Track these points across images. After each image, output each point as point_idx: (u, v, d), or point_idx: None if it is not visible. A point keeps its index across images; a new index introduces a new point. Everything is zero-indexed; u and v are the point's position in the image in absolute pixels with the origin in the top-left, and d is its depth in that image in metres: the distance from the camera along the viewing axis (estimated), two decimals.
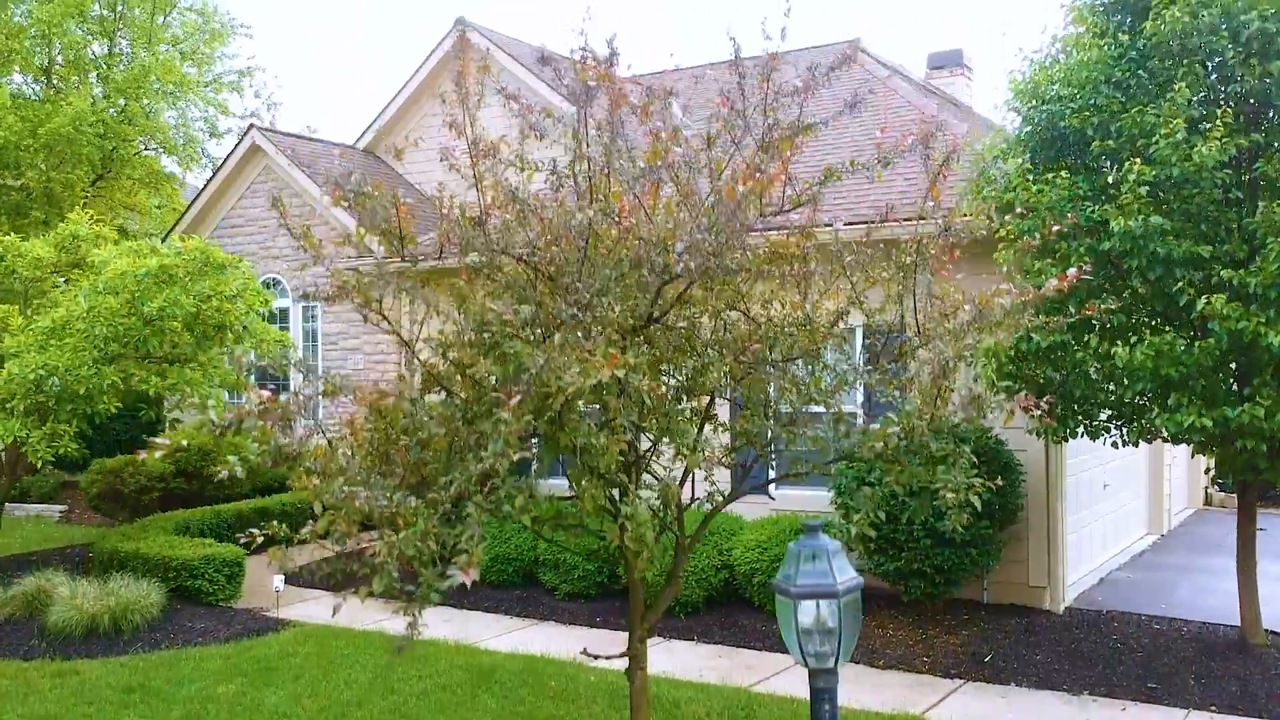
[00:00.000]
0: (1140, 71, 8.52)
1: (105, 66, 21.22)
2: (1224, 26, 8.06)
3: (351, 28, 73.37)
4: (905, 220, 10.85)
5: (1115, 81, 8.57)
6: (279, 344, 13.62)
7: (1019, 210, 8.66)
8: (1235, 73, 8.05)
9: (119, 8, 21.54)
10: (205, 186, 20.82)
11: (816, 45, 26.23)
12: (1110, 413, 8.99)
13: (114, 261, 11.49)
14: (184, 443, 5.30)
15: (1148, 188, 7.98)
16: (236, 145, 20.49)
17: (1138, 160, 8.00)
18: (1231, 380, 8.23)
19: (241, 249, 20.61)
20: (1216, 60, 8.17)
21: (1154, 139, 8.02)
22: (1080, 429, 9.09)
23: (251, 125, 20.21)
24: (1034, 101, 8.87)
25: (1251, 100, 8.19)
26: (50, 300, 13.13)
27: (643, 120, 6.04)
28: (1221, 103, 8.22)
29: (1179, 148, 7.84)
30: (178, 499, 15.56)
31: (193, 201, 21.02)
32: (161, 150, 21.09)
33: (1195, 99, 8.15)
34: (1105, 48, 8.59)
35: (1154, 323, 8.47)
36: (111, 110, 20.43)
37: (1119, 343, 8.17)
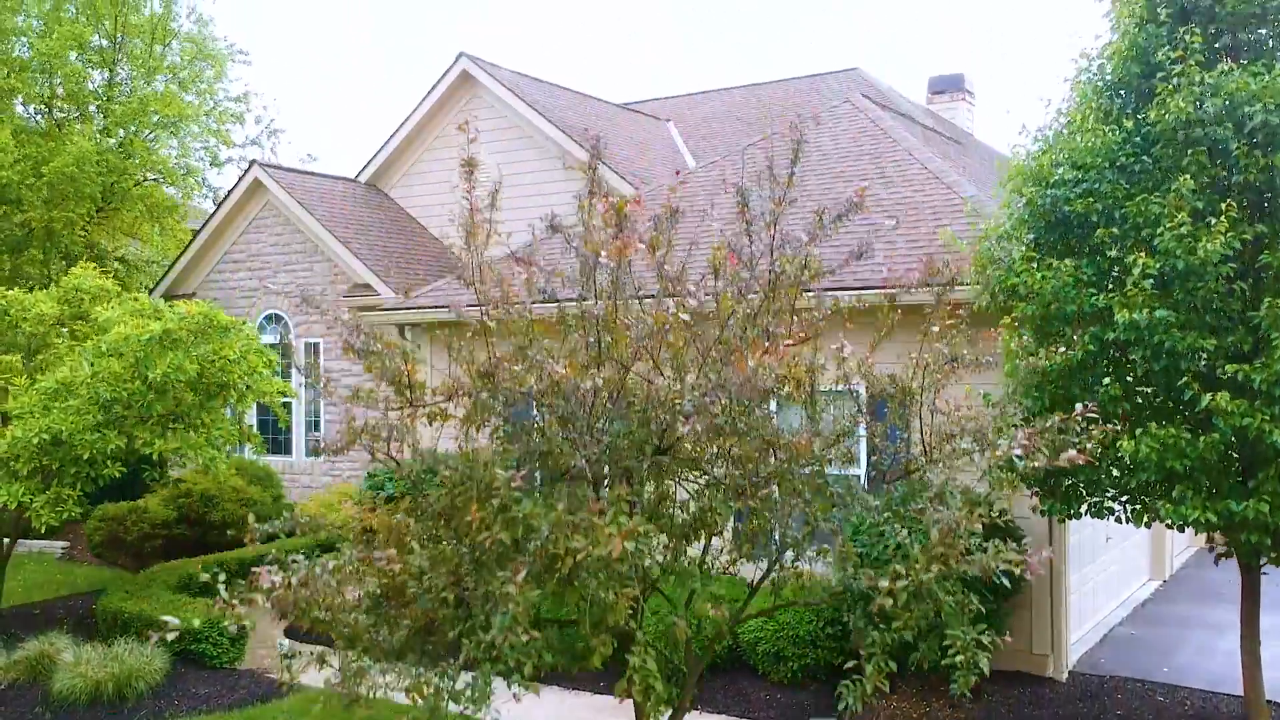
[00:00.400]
0: (1145, 156, 8.52)
1: (105, 99, 21.21)
2: (1228, 117, 8.06)
3: (354, 50, 73.35)
4: (909, 287, 10.89)
5: (1120, 165, 8.57)
6: (281, 394, 13.64)
7: (1023, 294, 8.68)
8: (1239, 163, 8.05)
9: (119, 38, 21.53)
10: (207, 222, 20.82)
11: (817, 74, 26.30)
12: (1114, 491, 8.99)
13: (117, 326, 11.50)
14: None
15: (1152, 280, 7.98)
16: (239, 181, 20.49)
17: (1143, 254, 8.01)
18: (1236, 470, 8.23)
19: (244, 284, 20.64)
20: (1221, 149, 8.17)
21: (1159, 230, 8.02)
22: (1085, 509, 9.10)
23: (253, 162, 20.21)
24: (1038, 186, 8.87)
25: (1256, 191, 8.19)
26: (54, 354, 13.15)
27: (649, 256, 6.00)
28: (1226, 193, 8.21)
29: (1183, 240, 7.85)
30: (181, 545, 15.56)
31: (196, 235, 21.01)
32: (163, 179, 21.07)
33: (1200, 188, 8.14)
34: (1110, 133, 8.59)
35: (1157, 409, 8.47)
36: (113, 142, 20.43)
37: (1124, 434, 8.17)
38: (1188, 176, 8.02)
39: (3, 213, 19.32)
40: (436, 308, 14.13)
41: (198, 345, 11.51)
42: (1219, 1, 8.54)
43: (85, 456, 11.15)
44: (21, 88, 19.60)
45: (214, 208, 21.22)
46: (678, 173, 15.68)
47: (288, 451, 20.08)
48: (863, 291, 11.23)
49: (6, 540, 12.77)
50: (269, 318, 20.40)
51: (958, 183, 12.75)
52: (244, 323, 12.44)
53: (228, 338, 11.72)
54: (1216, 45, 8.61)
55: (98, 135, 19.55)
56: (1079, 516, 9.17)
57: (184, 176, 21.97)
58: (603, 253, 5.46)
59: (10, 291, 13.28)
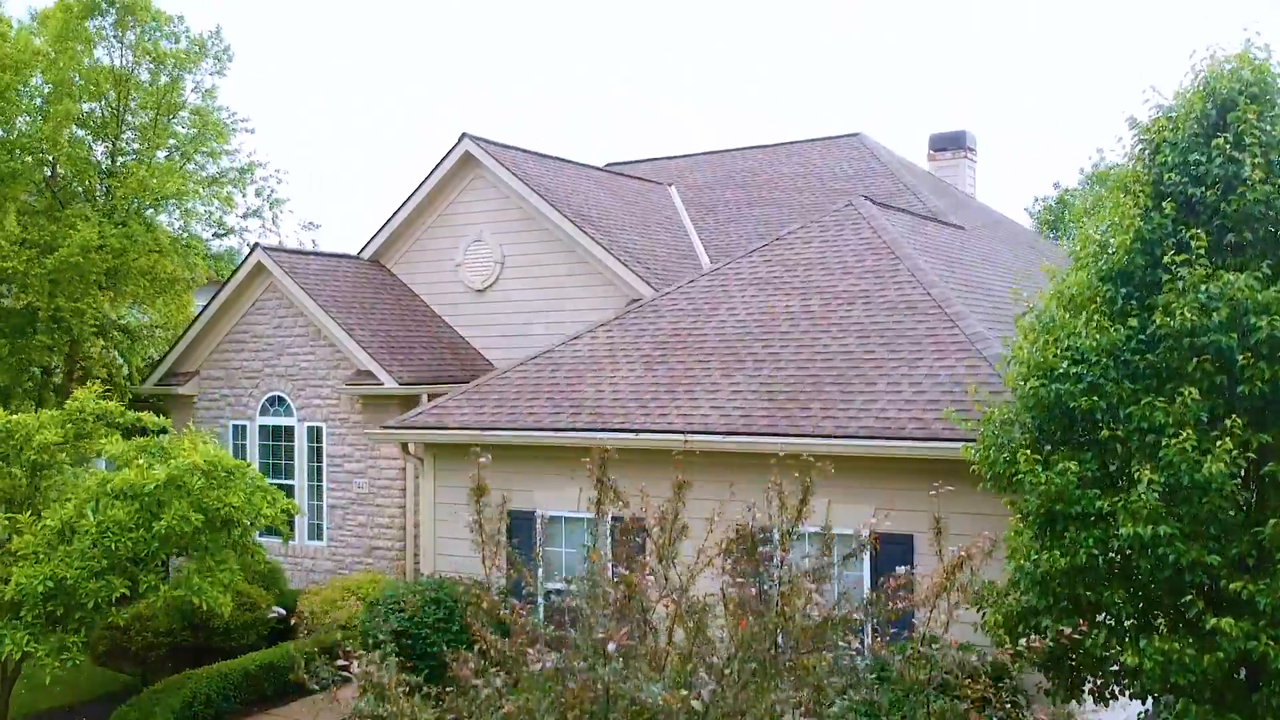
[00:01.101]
0: (1149, 354, 8.53)
1: (108, 174, 21.19)
2: (1233, 326, 8.08)
3: (361, 115, 73.49)
4: (915, 440, 10.93)
5: (1124, 361, 8.59)
6: (285, 512, 13.65)
7: (1026, 488, 8.69)
8: (1245, 373, 8.07)
9: (122, 109, 21.53)
10: (210, 303, 20.83)
11: (818, 138, 26.31)
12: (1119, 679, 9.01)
13: (122, 471, 11.52)
14: None
15: (1158, 492, 8.00)
16: (242, 263, 20.53)
17: (1148, 467, 8.02)
18: (1240, 684, 8.25)
19: (247, 365, 20.66)
20: (1226, 358, 8.18)
21: (1163, 441, 8.03)
22: (1088, 695, 9.12)
23: (256, 245, 20.23)
24: (1042, 379, 8.87)
25: (1261, 399, 8.20)
26: (59, 477, 13.19)
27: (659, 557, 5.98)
28: (1232, 403, 8.22)
29: (1188, 455, 7.86)
30: (185, 652, 15.59)
31: (199, 315, 21.03)
32: (164, 254, 21.04)
33: (1204, 396, 8.16)
34: (1115, 330, 8.60)
35: (1162, 615, 8.49)
36: (116, 223, 20.42)
37: (1127, 643, 8.18)
38: (1193, 388, 8.03)
39: (9, 298, 19.33)
40: (441, 429, 14.14)
41: (204, 493, 11.53)
42: (1225, 200, 8.56)
43: (90, 606, 11.18)
44: (24, 170, 19.59)
45: (218, 286, 21.22)
46: (691, 281, 15.67)
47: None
48: (868, 442, 11.29)
49: (6, 689, 12.81)
50: (271, 399, 20.42)
51: (961, 314, 12.75)
52: (249, 466, 12.43)
53: (232, 481, 11.73)
54: (1222, 242, 8.63)
55: (100, 221, 19.50)
56: (1082, 702, 9.18)
57: (185, 248, 21.95)
58: (611, 644, 5.39)
59: (13, 416, 13.30)
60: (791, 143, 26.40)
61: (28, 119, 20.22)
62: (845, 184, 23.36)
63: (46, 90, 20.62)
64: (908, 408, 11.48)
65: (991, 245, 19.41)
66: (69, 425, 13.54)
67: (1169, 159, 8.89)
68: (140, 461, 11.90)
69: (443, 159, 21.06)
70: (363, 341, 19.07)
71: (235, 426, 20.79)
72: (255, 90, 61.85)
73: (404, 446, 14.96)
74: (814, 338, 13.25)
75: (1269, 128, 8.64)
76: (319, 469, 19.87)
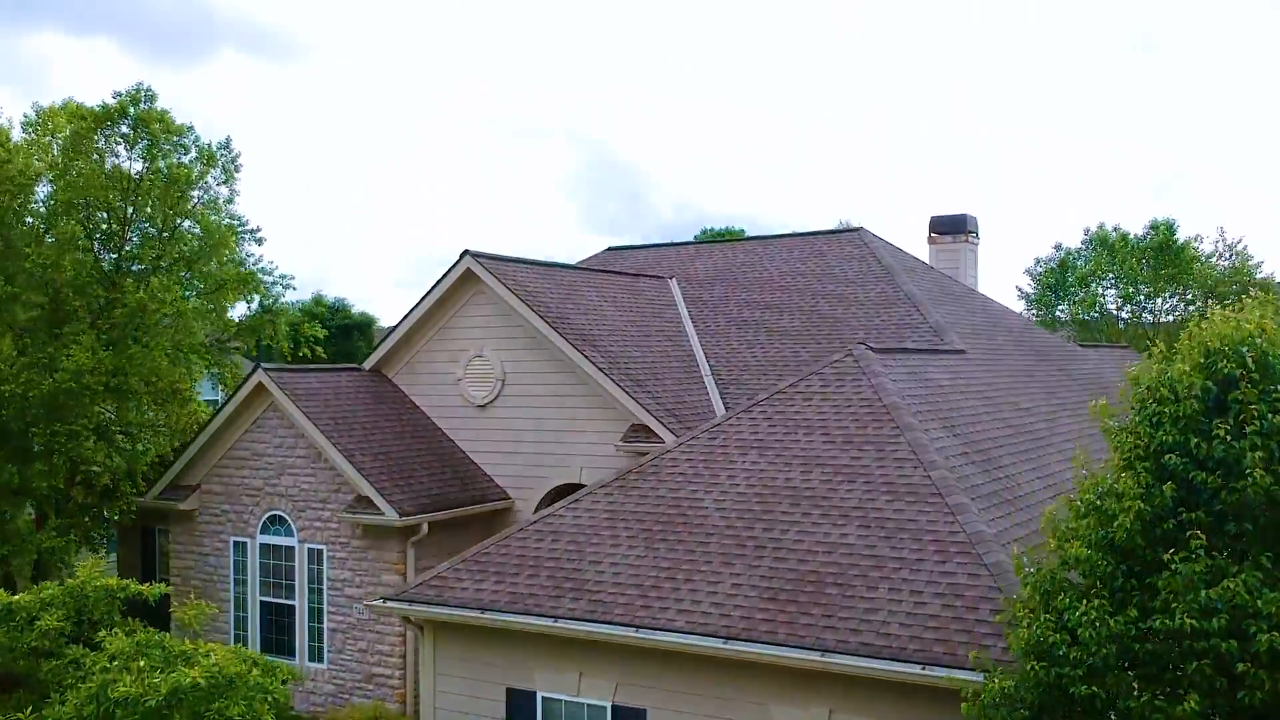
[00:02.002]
0: (1149, 644, 8.54)
1: (110, 284, 21.18)
2: (1232, 633, 8.08)
3: (358, 228, 73.75)
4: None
5: (1125, 650, 8.59)
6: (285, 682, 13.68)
7: None
8: (1245, 681, 8.08)
9: (129, 220, 21.57)
10: (212, 419, 20.90)
11: (820, 231, 26.31)
12: None
13: (122, 681, 11.54)
14: None
15: None
16: (244, 381, 20.54)
17: None
18: None
19: (248, 482, 20.68)
20: (1226, 663, 8.18)
21: None
22: None
23: (257, 365, 20.25)
24: (1043, 663, 8.87)
25: (1263, 708, 8.20)
26: (61, 663, 13.22)
27: None
28: (1233, 709, 8.23)
29: None
30: None
31: (201, 430, 21.06)
32: (163, 375, 21.06)
33: (1204, 694, 8.17)
34: (1116, 622, 8.60)
35: None
36: (115, 338, 20.45)
37: None
38: (1193, 695, 8.04)
39: (6, 422, 19.35)
40: (440, 605, 14.13)
41: (204, 702, 11.55)
42: (1226, 487, 8.57)
43: None
44: (23, 293, 19.60)
45: (219, 407, 21.24)
46: (694, 437, 15.66)
47: (290, 653, 20.10)
48: (869, 661, 11.30)
49: None
50: (272, 518, 20.44)
51: (962, 507, 12.73)
52: (251, 670, 12.39)
53: (233, 691, 11.75)
54: (1223, 527, 8.63)
55: (94, 346, 19.43)
56: None
57: (186, 362, 21.98)
58: None
59: (15, 597, 13.35)
60: (793, 234, 26.44)
61: (29, 240, 20.22)
62: (846, 289, 23.37)
63: (47, 209, 20.66)
64: (909, 622, 11.48)
65: (992, 374, 19.38)
66: (70, 601, 13.58)
67: (1170, 437, 8.90)
68: (140, 663, 11.92)
69: (445, 274, 21.09)
70: (363, 467, 19.08)
71: (236, 543, 20.82)
72: (267, 198, 62.18)
73: (405, 618, 14.95)
74: (815, 523, 13.24)
75: (1270, 415, 8.64)
76: (319, 591, 19.90)
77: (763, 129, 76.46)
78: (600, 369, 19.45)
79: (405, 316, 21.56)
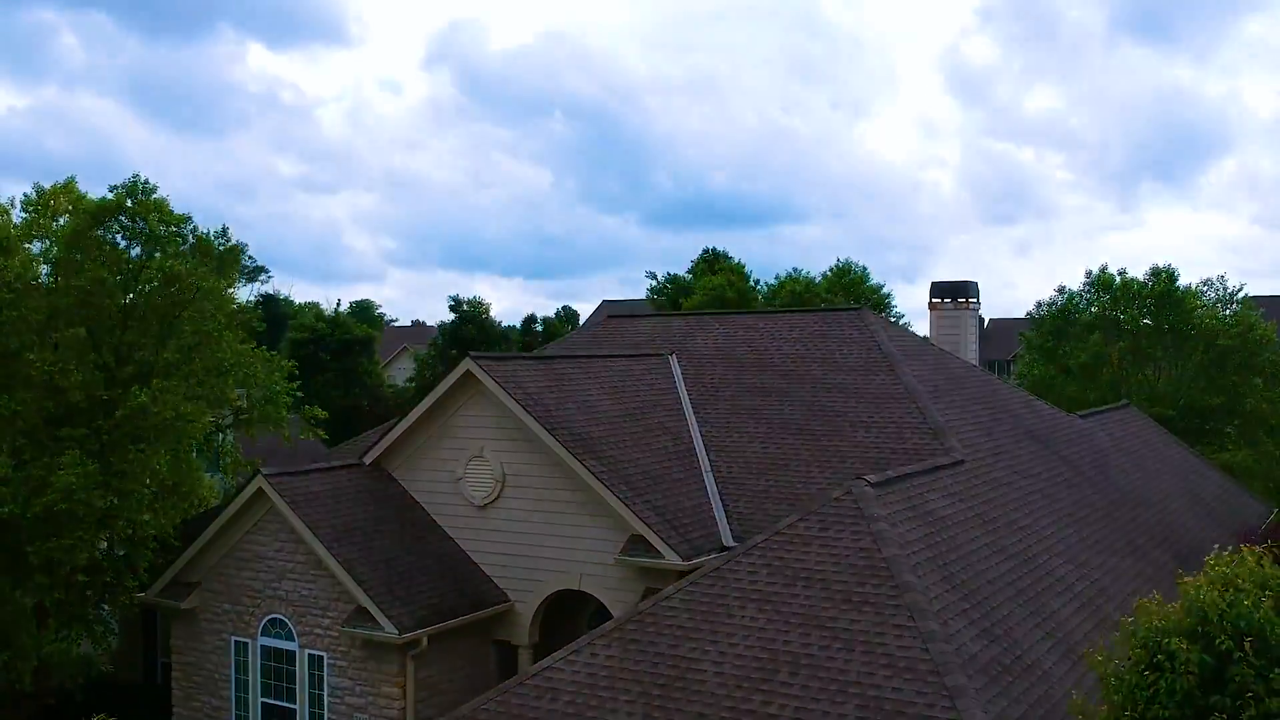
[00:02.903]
0: None
1: (110, 383, 21.15)
2: None
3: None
4: None
5: None
6: None
7: None
8: None
9: (129, 314, 21.54)
10: (212, 523, 20.91)
11: (822, 309, 26.26)
12: None
13: None
14: None
15: None
16: (244, 487, 20.56)
17: None
18: None
19: (248, 584, 20.74)
20: None
21: None
22: None
23: (257, 471, 20.27)
24: None
25: None
26: None
27: None
28: None
29: None
30: None
31: (202, 532, 21.08)
32: (166, 493, 21.10)
33: None
34: None
35: None
36: (115, 444, 20.45)
37: None
38: None
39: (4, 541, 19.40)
40: None
41: None
42: None
43: None
44: (22, 409, 19.58)
45: (221, 507, 21.27)
46: (693, 583, 15.68)
47: None
48: None
49: None
50: (273, 621, 20.50)
51: (959, 689, 12.75)
52: None
53: None
54: None
55: (84, 461, 19.34)
56: None
57: (187, 459, 21.98)
58: None
59: None
60: (794, 311, 26.41)
61: (32, 345, 20.16)
62: (847, 378, 23.33)
63: (49, 308, 20.61)
64: None
65: (991, 488, 19.33)
66: None
67: (1167, 713, 8.91)
68: None
69: (446, 374, 21.10)
70: (363, 580, 19.11)
71: (237, 643, 20.90)
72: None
73: None
74: (814, 698, 13.26)
75: (1268, 698, 8.65)
76: (320, 696, 19.98)
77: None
78: (599, 477, 19.46)
79: (409, 412, 21.58)
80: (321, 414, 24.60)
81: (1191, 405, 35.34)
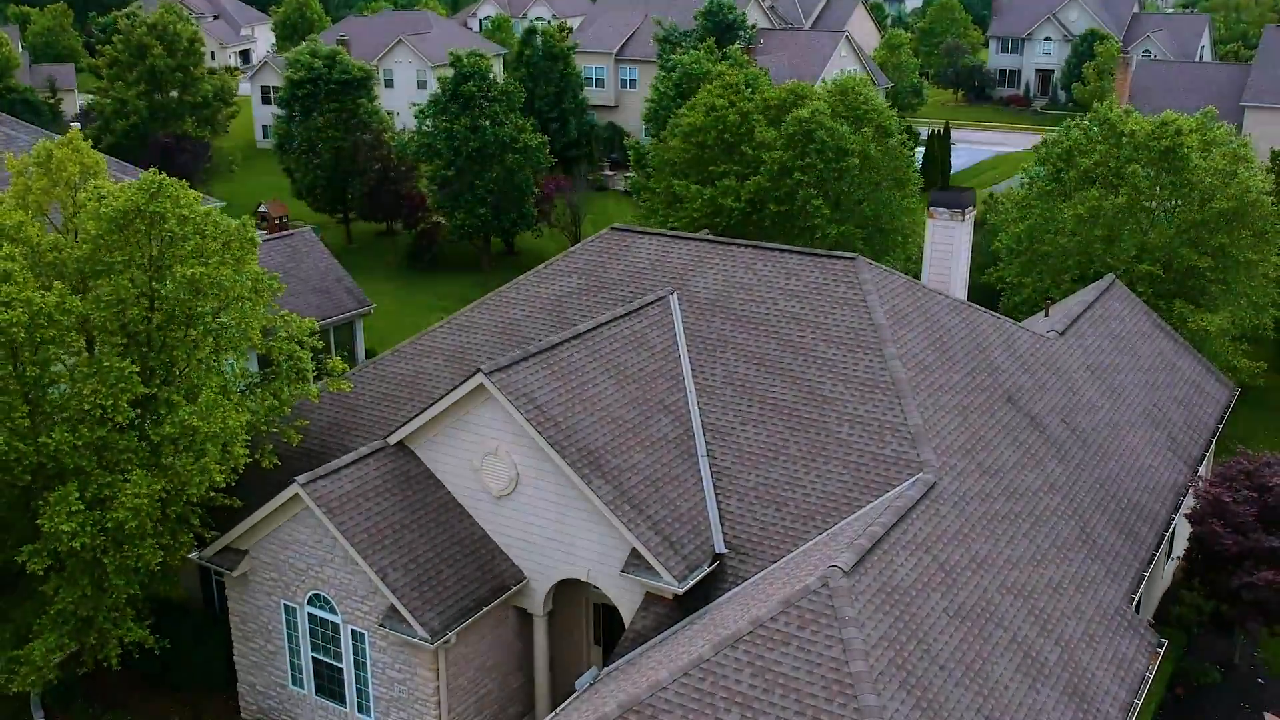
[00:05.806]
0: None
1: (146, 399, 22.63)
2: None
3: None
4: None
5: None
6: None
7: None
8: None
9: (154, 311, 22.69)
10: (253, 514, 23.13)
11: (820, 255, 27.07)
12: None
13: None
14: None
15: None
16: (281, 492, 22.58)
17: None
18: None
19: (292, 562, 23.30)
20: None
21: None
22: None
23: (293, 480, 22.22)
24: None
25: None
26: None
27: None
28: None
29: None
30: None
31: (249, 517, 23.35)
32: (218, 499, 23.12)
33: None
34: None
35: None
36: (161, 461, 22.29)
37: None
38: None
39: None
40: None
41: None
42: None
43: None
44: (81, 451, 21.29)
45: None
46: (692, 675, 18.14)
47: (341, 701, 23.63)
48: None
49: None
50: (316, 595, 23.24)
51: None
52: None
53: None
54: None
55: (147, 479, 21.33)
56: None
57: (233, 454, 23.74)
58: None
59: None
60: (791, 251, 27.24)
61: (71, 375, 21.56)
62: (837, 354, 24.62)
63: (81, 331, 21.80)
64: None
65: (958, 520, 21.30)
66: None
67: None
68: None
69: (460, 384, 22.56)
70: (395, 587, 21.62)
71: (287, 606, 23.78)
72: None
73: None
74: None
75: None
76: (364, 664, 23.06)
77: None
78: (604, 499, 21.46)
79: (432, 404, 23.16)
80: (340, 365, 25.90)
81: (1178, 265, 36.46)
